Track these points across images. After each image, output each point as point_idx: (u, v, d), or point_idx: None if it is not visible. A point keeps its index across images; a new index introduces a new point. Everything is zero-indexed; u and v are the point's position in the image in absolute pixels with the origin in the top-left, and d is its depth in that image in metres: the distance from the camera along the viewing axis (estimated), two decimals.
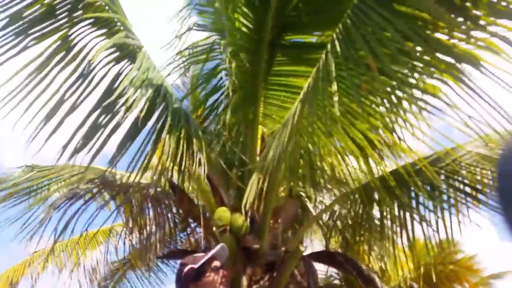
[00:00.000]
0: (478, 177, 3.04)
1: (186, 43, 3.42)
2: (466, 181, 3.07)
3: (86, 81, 2.67)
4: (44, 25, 2.47)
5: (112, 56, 2.82)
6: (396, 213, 3.18)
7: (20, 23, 2.36)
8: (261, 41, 3.04)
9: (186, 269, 1.58)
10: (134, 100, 2.80)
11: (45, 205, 3.24)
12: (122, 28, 2.93)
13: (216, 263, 1.64)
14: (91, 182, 3.22)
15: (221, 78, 3.47)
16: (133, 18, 3.16)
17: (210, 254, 1.61)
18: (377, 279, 3.02)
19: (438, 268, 6.44)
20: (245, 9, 2.93)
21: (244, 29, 3.01)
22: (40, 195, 3.26)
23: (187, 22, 3.32)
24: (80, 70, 2.64)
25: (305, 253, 2.94)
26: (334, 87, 2.08)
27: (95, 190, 3.32)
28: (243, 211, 2.63)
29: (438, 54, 1.90)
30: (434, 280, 6.14)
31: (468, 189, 3.06)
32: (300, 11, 2.92)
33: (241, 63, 3.17)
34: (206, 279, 1.59)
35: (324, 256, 3.25)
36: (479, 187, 3.04)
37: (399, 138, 2.38)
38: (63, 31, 2.55)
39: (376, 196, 3.22)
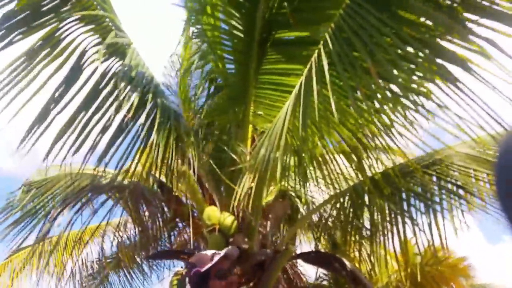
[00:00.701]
0: (471, 179, 3.06)
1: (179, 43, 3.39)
2: (459, 182, 3.09)
3: (74, 78, 2.62)
4: (30, 19, 2.41)
5: (101, 53, 2.76)
6: (386, 214, 3.18)
7: (5, 17, 2.29)
8: (250, 39, 3.01)
9: (194, 270, 1.55)
10: (123, 97, 2.76)
11: (45, 221, 3.20)
12: (110, 24, 2.88)
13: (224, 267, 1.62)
14: (84, 189, 3.18)
15: (213, 77, 3.44)
16: (123, 14, 3.11)
17: (221, 254, 1.59)
18: (366, 281, 3.02)
19: (426, 269, 6.49)
20: (232, 8, 2.90)
21: (232, 27, 2.98)
22: (43, 212, 3.23)
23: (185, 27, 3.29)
24: (67, 66, 2.59)
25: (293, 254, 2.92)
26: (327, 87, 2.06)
27: (88, 196, 3.27)
28: (232, 210, 2.61)
29: (432, 57, 1.90)
30: (419, 281, 6.18)
31: (461, 191, 3.08)
32: (289, 8, 2.89)
33: (230, 62, 3.14)
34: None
35: (314, 257, 3.24)
36: (472, 188, 3.06)
37: (391, 139, 2.38)
38: (50, 26, 2.49)
39: (366, 197, 3.22)
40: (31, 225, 3.29)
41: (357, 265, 3.46)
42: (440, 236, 2.96)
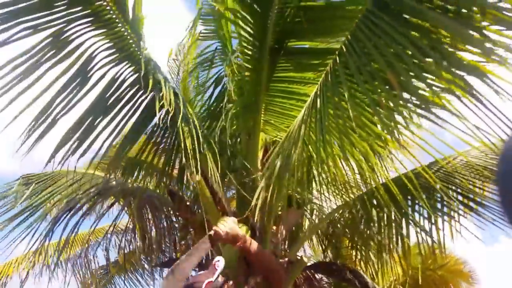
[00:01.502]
0: (472, 186, 3.09)
1: (190, 50, 3.37)
2: (459, 190, 3.12)
3: (82, 81, 2.57)
4: (39, 17, 2.31)
5: (111, 57, 2.74)
6: (393, 220, 3.19)
7: (13, 8, 2.20)
8: (262, 47, 3.02)
9: None
10: (139, 102, 2.74)
11: (46, 219, 3.14)
12: (123, 29, 2.85)
13: (219, 281, 1.61)
14: (90, 190, 3.13)
15: (223, 85, 3.43)
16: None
17: (215, 275, 1.57)
18: None
19: (427, 273, 6.49)
20: (246, 15, 2.90)
21: (245, 34, 2.98)
22: (42, 209, 3.14)
23: (193, 31, 3.27)
24: (75, 68, 2.52)
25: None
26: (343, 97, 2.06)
27: (94, 199, 3.23)
28: (245, 220, 2.59)
29: (449, 66, 1.90)
30: (420, 283, 6.18)
31: (460, 197, 3.11)
32: (301, 18, 2.90)
33: (242, 69, 3.14)
34: None
35: (327, 267, 3.22)
36: (475, 196, 3.08)
37: (403, 147, 2.37)
38: (59, 26, 2.41)
39: (375, 203, 3.22)
40: (29, 222, 3.16)
41: (367, 268, 3.46)
42: (439, 241, 2.99)
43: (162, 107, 2.70)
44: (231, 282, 1.62)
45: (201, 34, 3.47)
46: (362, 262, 3.53)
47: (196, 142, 2.74)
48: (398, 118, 2.01)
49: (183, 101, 2.60)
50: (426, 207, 3.04)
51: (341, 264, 3.16)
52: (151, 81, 2.53)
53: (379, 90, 1.99)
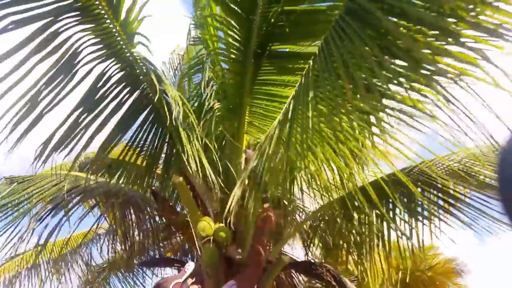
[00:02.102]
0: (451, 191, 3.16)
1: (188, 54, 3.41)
2: (440, 194, 3.18)
3: (68, 77, 2.55)
4: (27, 7, 2.30)
5: (98, 54, 2.74)
6: (374, 222, 3.24)
7: (0, 2, 2.19)
8: (247, 51, 3.06)
9: None
10: (124, 100, 2.77)
11: (27, 217, 3.13)
12: (111, 26, 2.86)
13: (187, 283, 1.66)
14: (72, 191, 3.15)
15: (209, 86, 3.47)
16: None
17: (183, 277, 1.63)
18: None
19: (416, 274, 6.56)
20: (230, 20, 2.95)
21: (230, 39, 3.03)
22: (22, 208, 3.14)
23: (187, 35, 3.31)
24: (61, 63, 2.51)
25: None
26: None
27: (76, 200, 3.25)
28: (225, 221, 2.63)
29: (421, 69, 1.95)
30: (409, 283, 6.25)
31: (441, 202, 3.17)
32: (284, 22, 2.94)
33: (227, 72, 3.19)
34: None
35: (304, 267, 3.27)
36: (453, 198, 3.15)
37: (379, 151, 2.42)
38: (47, 19, 2.39)
39: (356, 204, 3.27)
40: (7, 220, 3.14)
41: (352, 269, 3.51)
42: (419, 242, 3.05)
43: (150, 106, 2.73)
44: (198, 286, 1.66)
45: (193, 39, 3.52)
46: (349, 263, 3.58)
47: (185, 144, 2.78)
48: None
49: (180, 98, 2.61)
50: (403, 209, 3.11)
51: (318, 263, 3.21)
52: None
53: (351, 94, 2.04)
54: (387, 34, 1.79)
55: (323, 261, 3.66)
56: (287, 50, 3.26)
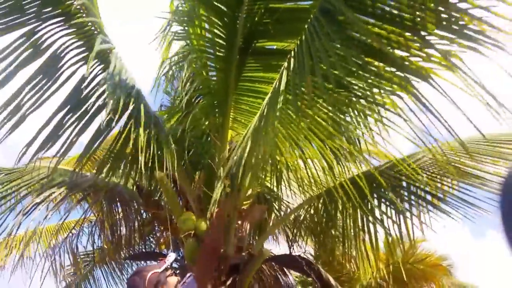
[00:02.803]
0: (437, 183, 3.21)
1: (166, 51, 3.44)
2: (427, 188, 3.22)
3: (52, 80, 2.64)
4: (10, 17, 2.40)
5: (81, 56, 2.81)
6: (359, 216, 3.30)
7: None
8: (232, 47, 3.09)
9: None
10: (105, 101, 2.81)
11: (15, 211, 3.17)
12: (93, 29, 2.92)
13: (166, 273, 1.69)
14: (59, 185, 3.19)
15: (192, 82, 3.51)
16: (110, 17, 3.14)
17: (162, 267, 1.67)
18: (334, 282, 3.11)
19: (407, 267, 6.62)
20: (214, 16, 2.98)
21: (214, 36, 3.06)
22: (10, 201, 3.18)
23: (168, 31, 3.34)
24: (45, 68, 2.60)
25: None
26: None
27: (63, 193, 3.29)
28: (208, 216, 2.68)
29: (392, 69, 2.00)
30: (399, 277, 6.31)
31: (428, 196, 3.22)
32: (269, 19, 2.98)
33: (211, 69, 3.22)
34: None
35: (286, 260, 3.33)
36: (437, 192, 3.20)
37: (359, 146, 2.48)
38: (30, 26, 2.49)
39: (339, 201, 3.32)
40: None
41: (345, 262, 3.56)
42: (408, 236, 3.10)
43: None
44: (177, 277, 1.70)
45: (176, 34, 3.54)
46: (340, 256, 3.64)
47: (163, 141, 2.82)
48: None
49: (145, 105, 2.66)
50: (389, 203, 3.16)
51: (296, 255, 3.27)
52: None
53: (328, 91, 2.09)
54: (359, 33, 1.83)
55: (308, 254, 3.72)
56: (273, 47, 3.30)
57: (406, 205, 3.23)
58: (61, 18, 2.65)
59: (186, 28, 3.30)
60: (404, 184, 3.24)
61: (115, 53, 3.07)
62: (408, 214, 3.21)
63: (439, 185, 3.26)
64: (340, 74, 1.89)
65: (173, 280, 1.69)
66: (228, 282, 2.77)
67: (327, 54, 1.87)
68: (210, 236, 2.64)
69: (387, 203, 3.21)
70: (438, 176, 3.28)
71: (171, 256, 1.77)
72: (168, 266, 1.71)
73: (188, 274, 1.79)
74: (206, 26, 3.07)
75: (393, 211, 3.27)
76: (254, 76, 3.34)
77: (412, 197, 3.17)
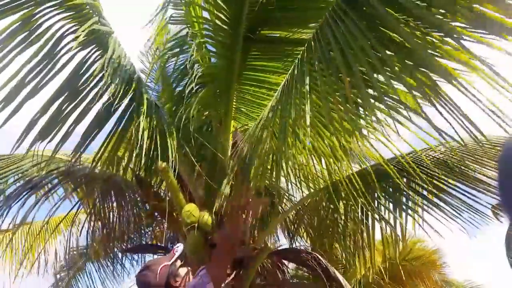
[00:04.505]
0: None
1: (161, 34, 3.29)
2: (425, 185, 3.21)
3: (50, 65, 2.52)
4: (5, 1, 2.27)
5: (79, 40, 2.67)
6: (360, 212, 3.28)
7: None
8: (236, 35, 2.97)
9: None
10: (105, 87, 2.68)
11: (2, 196, 3.03)
12: (91, 11, 2.77)
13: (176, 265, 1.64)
14: (53, 172, 3.05)
15: (194, 71, 3.38)
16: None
17: (172, 259, 1.61)
18: (341, 277, 3.10)
19: (402, 263, 6.71)
20: (219, 1, 2.85)
21: (218, 21, 2.93)
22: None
23: (163, 15, 3.18)
24: (43, 52, 2.48)
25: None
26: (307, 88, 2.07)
27: (56, 181, 3.15)
28: (211, 208, 2.60)
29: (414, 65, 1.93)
30: (394, 273, 6.40)
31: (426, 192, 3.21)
32: (274, 6, 2.87)
33: (214, 56, 3.10)
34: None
35: (289, 254, 3.29)
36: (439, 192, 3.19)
37: (369, 143, 2.42)
38: (26, 10, 2.36)
39: (343, 195, 3.29)
40: None
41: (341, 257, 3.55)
42: (403, 232, 3.10)
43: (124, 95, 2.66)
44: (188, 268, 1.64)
45: (171, 18, 3.38)
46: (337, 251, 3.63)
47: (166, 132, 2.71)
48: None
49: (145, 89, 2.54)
50: (389, 199, 3.14)
51: (301, 249, 3.24)
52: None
53: (343, 85, 2.01)
54: (384, 26, 1.75)
55: (309, 248, 3.69)
56: (277, 35, 3.19)
57: (407, 204, 3.22)
58: (58, 1, 2.50)
59: (185, 10, 3.15)
60: (405, 180, 3.21)
61: (114, 38, 2.93)
62: (408, 212, 3.20)
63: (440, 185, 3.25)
64: (367, 68, 1.81)
65: (183, 271, 1.64)
66: (232, 276, 2.71)
67: (353, 46, 1.78)
68: (225, 234, 2.58)
69: (391, 199, 3.18)
70: (437, 174, 3.28)
71: (180, 247, 1.72)
72: (177, 257, 1.66)
73: (201, 267, 1.73)
74: (210, 9, 2.95)
75: (391, 207, 3.26)
76: (259, 65, 3.24)
77: (411, 194, 3.16)
